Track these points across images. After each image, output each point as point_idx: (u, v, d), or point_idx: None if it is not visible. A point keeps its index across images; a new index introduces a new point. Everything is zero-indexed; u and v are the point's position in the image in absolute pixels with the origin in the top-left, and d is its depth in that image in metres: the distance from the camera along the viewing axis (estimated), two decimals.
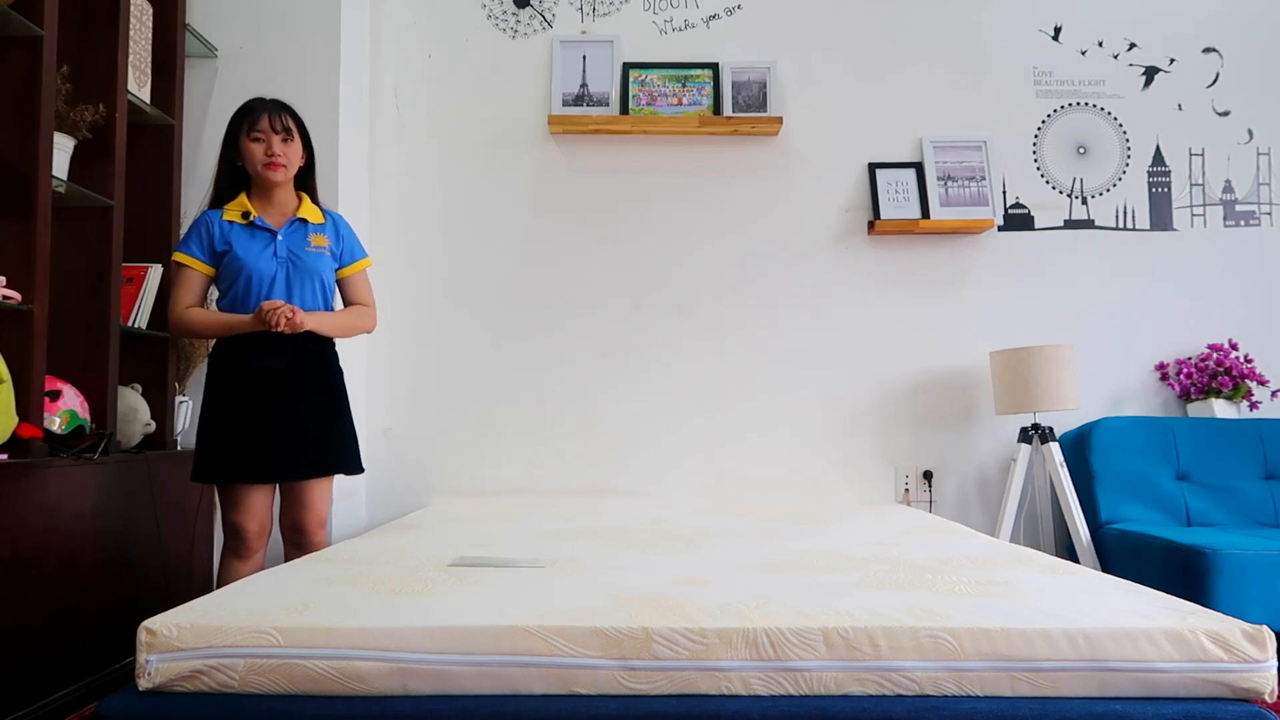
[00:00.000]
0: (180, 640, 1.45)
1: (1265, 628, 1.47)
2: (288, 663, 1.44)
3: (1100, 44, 3.63)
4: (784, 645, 1.45)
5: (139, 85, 2.76)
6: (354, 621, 1.49)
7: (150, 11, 2.83)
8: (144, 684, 1.44)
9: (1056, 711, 1.43)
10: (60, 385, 2.36)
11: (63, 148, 2.41)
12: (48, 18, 2.26)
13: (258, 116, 2.37)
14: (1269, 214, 3.62)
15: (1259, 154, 3.63)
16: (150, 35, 2.83)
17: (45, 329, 2.23)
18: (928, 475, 3.51)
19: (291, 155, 2.40)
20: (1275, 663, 1.46)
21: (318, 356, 2.44)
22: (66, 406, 2.35)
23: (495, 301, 3.54)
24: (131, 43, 2.69)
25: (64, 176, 2.41)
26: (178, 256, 2.40)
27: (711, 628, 1.46)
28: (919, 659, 1.45)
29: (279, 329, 2.28)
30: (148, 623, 1.46)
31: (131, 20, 2.68)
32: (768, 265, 3.55)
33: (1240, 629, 1.47)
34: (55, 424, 2.31)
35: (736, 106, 3.53)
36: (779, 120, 3.49)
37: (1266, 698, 1.46)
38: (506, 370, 3.52)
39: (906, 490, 3.51)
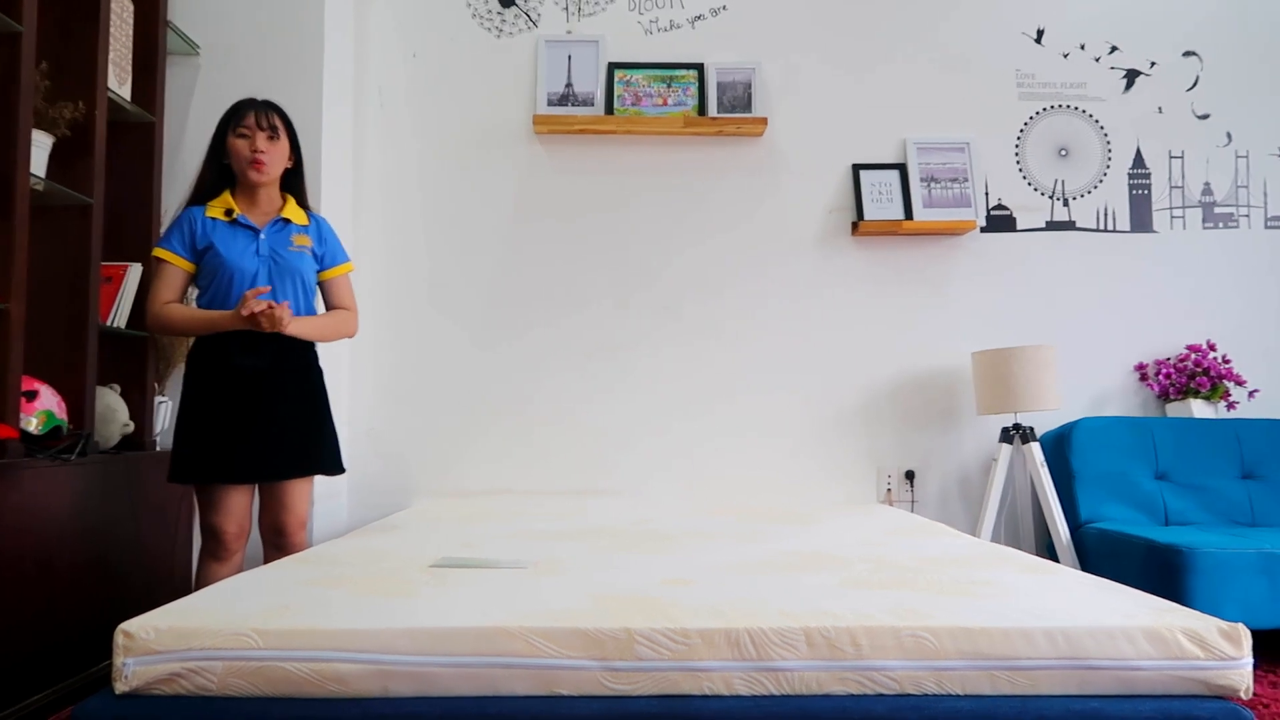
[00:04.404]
0: (158, 643, 1.44)
1: (1241, 625, 1.48)
2: (267, 665, 1.43)
3: (1082, 47, 3.66)
4: (766, 645, 1.46)
5: (119, 82, 2.74)
6: (334, 623, 1.48)
7: (131, 8, 2.80)
8: (121, 687, 1.43)
9: (1036, 710, 1.44)
10: (37, 385, 2.34)
11: (41, 145, 2.38)
12: (26, 13, 2.24)
13: (244, 114, 2.36)
14: (1247, 216, 3.65)
15: (1237, 157, 3.66)
16: (131, 32, 2.81)
17: (22, 328, 2.21)
18: (910, 475, 3.53)
19: (276, 155, 2.38)
20: (1251, 660, 1.48)
21: (298, 357, 2.43)
22: (44, 407, 2.32)
23: (479, 301, 3.53)
24: (112, 39, 2.67)
25: (42, 174, 2.39)
26: (158, 252, 2.37)
27: (694, 628, 1.46)
28: (900, 658, 1.46)
29: (259, 319, 2.26)
30: (125, 625, 1.45)
31: (112, 17, 2.66)
32: (752, 266, 3.56)
33: (1217, 627, 1.48)
34: (32, 424, 2.29)
35: (721, 107, 3.53)
36: (764, 121, 3.50)
37: (1242, 695, 1.47)
38: (490, 370, 3.52)
39: (889, 490, 3.53)
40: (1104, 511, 3.21)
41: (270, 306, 2.26)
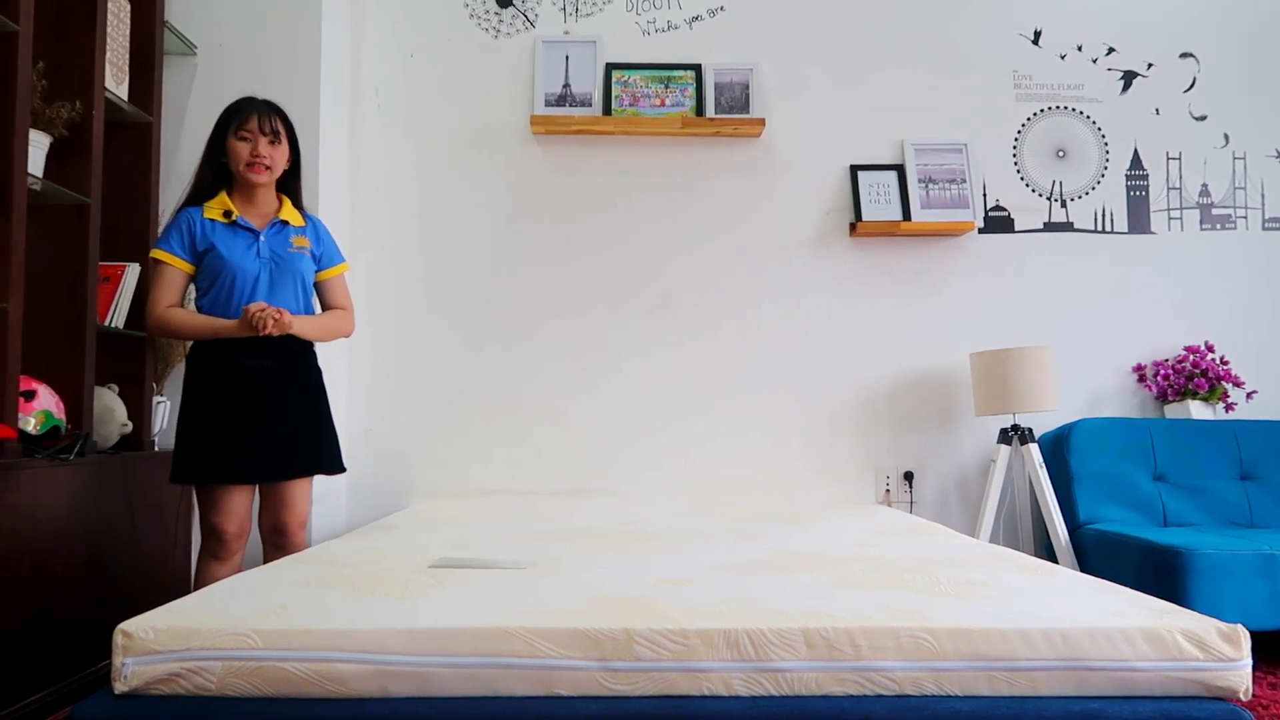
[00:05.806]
0: (157, 643, 1.44)
1: (1240, 627, 1.48)
2: (266, 665, 1.43)
3: (1079, 48, 3.66)
4: (765, 646, 1.45)
5: (117, 82, 2.73)
6: (333, 623, 1.48)
7: (128, 8, 2.80)
8: (120, 687, 1.43)
9: (1034, 711, 1.44)
10: (35, 385, 2.33)
11: (38, 145, 2.38)
12: (23, 13, 2.23)
13: (247, 116, 2.35)
14: (1244, 217, 3.66)
15: (1234, 158, 3.67)
16: (128, 32, 2.81)
17: (20, 328, 2.21)
18: (908, 476, 3.53)
19: (277, 158, 2.39)
20: (1250, 661, 1.47)
21: (298, 357, 2.43)
22: (42, 407, 2.32)
23: (476, 302, 3.53)
24: (109, 39, 2.67)
25: (40, 174, 2.38)
26: (157, 253, 2.37)
27: (693, 628, 1.46)
28: (899, 659, 1.46)
29: (266, 332, 2.26)
30: (124, 625, 1.45)
31: (109, 16, 2.66)
32: (749, 267, 3.56)
33: (1216, 628, 1.48)
34: (30, 424, 2.28)
35: (719, 108, 3.53)
36: (761, 122, 3.50)
37: (1241, 696, 1.47)
38: (487, 371, 3.51)
39: (887, 491, 3.53)
40: (1102, 512, 3.21)
41: (264, 309, 2.26)
